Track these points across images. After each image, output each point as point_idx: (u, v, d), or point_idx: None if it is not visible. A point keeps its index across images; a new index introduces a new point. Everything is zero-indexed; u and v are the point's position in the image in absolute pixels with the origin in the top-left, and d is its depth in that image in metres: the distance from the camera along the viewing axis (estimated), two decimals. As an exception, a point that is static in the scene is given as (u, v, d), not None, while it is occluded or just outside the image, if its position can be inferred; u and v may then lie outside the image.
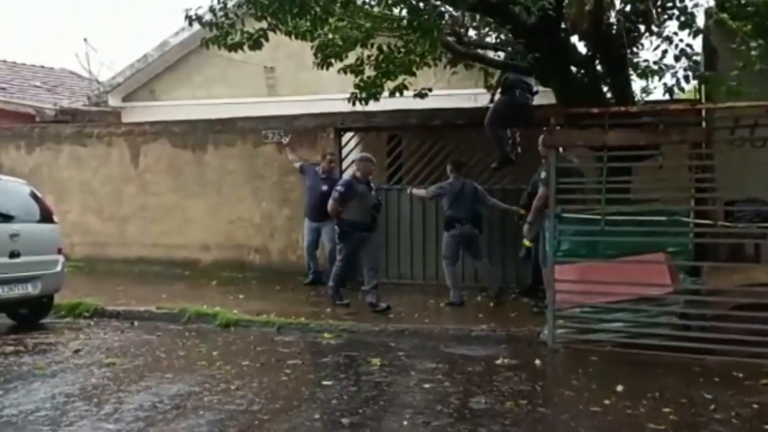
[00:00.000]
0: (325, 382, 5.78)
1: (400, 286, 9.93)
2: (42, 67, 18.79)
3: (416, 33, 6.97)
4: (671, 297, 6.73)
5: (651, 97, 8.32)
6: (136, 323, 8.24)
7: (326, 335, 7.51)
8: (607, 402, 5.18)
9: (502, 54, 8.94)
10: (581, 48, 7.89)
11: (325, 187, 9.75)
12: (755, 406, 5.11)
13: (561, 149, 7.10)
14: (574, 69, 7.73)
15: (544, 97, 8.77)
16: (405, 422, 4.80)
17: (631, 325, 6.75)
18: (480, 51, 9.17)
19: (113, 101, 14.44)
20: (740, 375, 5.81)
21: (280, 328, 7.79)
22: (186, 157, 11.24)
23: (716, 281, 6.81)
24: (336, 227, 8.59)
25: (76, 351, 6.82)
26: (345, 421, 4.83)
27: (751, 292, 6.35)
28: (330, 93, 11.54)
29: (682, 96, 8.63)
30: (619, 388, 5.47)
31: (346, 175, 9.31)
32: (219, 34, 7.79)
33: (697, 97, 9.10)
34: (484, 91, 10.11)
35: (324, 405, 5.18)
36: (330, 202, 8.43)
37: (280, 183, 10.58)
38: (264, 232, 10.75)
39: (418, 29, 6.83)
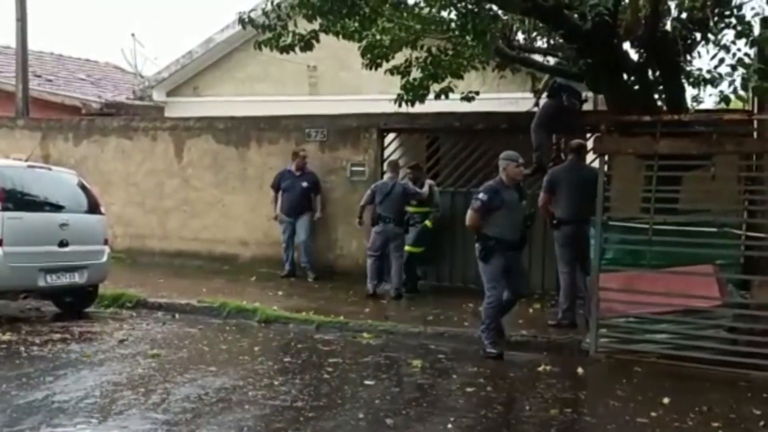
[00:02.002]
0: (367, 382, 5.79)
1: (440, 289, 9.91)
2: (87, 60, 19.16)
3: (469, 36, 6.95)
4: (719, 310, 6.61)
5: (701, 107, 8.18)
6: (177, 316, 8.34)
7: (365, 335, 7.52)
8: (654, 414, 5.11)
9: (551, 59, 8.88)
10: (633, 54, 7.79)
11: (305, 184, 10.33)
12: (807, 424, 5.01)
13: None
14: (625, 76, 7.63)
15: (592, 103, 8.69)
16: (449, 425, 4.79)
17: (676, 337, 6.65)
18: (528, 55, 9.10)
19: (157, 96, 14.66)
20: (790, 392, 5.71)
21: (319, 326, 7.82)
22: (229, 153, 11.33)
23: (766, 295, 6.68)
24: (477, 245, 6.87)
25: (121, 341, 6.93)
26: (389, 421, 4.84)
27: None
28: (371, 93, 11.59)
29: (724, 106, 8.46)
30: (666, 400, 5.39)
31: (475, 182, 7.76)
32: (272, 36, 7.84)
33: (746, 107, 8.94)
34: (528, 95, 10.07)
35: (368, 405, 5.18)
36: (468, 213, 6.86)
37: (322, 182, 10.56)
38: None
39: (471, 32, 6.81)
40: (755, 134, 7.74)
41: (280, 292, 9.43)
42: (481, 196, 6.78)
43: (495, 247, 6.69)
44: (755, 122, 7.78)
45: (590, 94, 9.08)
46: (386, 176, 9.50)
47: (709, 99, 7.75)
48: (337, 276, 10.34)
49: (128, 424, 4.59)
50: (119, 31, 36.45)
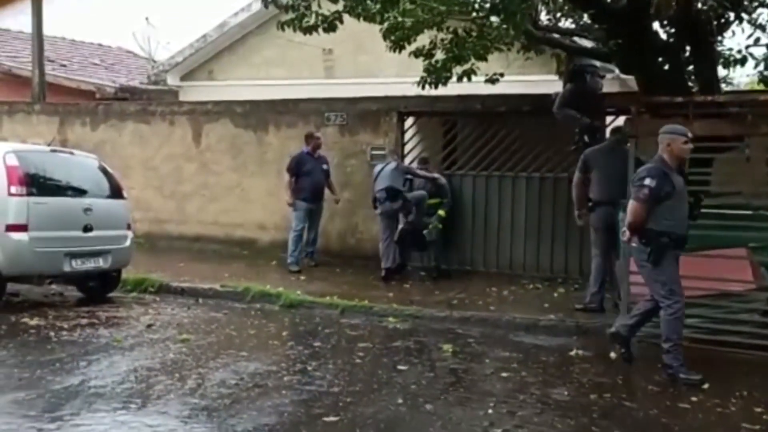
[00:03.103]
0: (400, 367, 5.75)
1: (464, 273, 9.84)
2: (100, 45, 19.07)
3: (499, 16, 6.84)
4: (753, 294, 6.54)
5: (730, 88, 8.07)
6: (200, 300, 8.31)
7: (391, 319, 7.48)
8: (694, 399, 5.07)
9: (577, 39, 8.74)
10: (662, 35, 7.66)
11: (324, 166, 10.03)
12: None
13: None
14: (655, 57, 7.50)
15: (615, 84, 8.58)
16: (490, 411, 4.75)
17: (709, 321, 6.58)
18: (555, 36, 8.96)
19: (172, 80, 14.61)
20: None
21: (344, 311, 7.79)
22: (247, 137, 11.25)
23: (801, 279, 6.59)
24: (641, 243, 5.51)
25: (149, 325, 6.90)
26: (429, 407, 4.79)
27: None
28: (388, 77, 11.49)
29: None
30: (705, 385, 5.33)
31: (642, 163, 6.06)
32: (295, 16, 7.74)
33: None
34: (550, 77, 9.93)
35: (404, 390, 5.14)
36: (631, 206, 5.50)
37: (342, 166, 10.53)
38: (323, 215, 10.73)
39: (502, 12, 6.69)
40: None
41: (302, 277, 9.39)
42: (647, 182, 5.33)
43: (669, 245, 5.38)
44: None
45: (608, 75, 8.94)
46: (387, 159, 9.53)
47: (740, 80, 7.62)
48: (358, 260, 10.27)
49: (168, 410, 4.55)
50: (129, 16, 36.07)
